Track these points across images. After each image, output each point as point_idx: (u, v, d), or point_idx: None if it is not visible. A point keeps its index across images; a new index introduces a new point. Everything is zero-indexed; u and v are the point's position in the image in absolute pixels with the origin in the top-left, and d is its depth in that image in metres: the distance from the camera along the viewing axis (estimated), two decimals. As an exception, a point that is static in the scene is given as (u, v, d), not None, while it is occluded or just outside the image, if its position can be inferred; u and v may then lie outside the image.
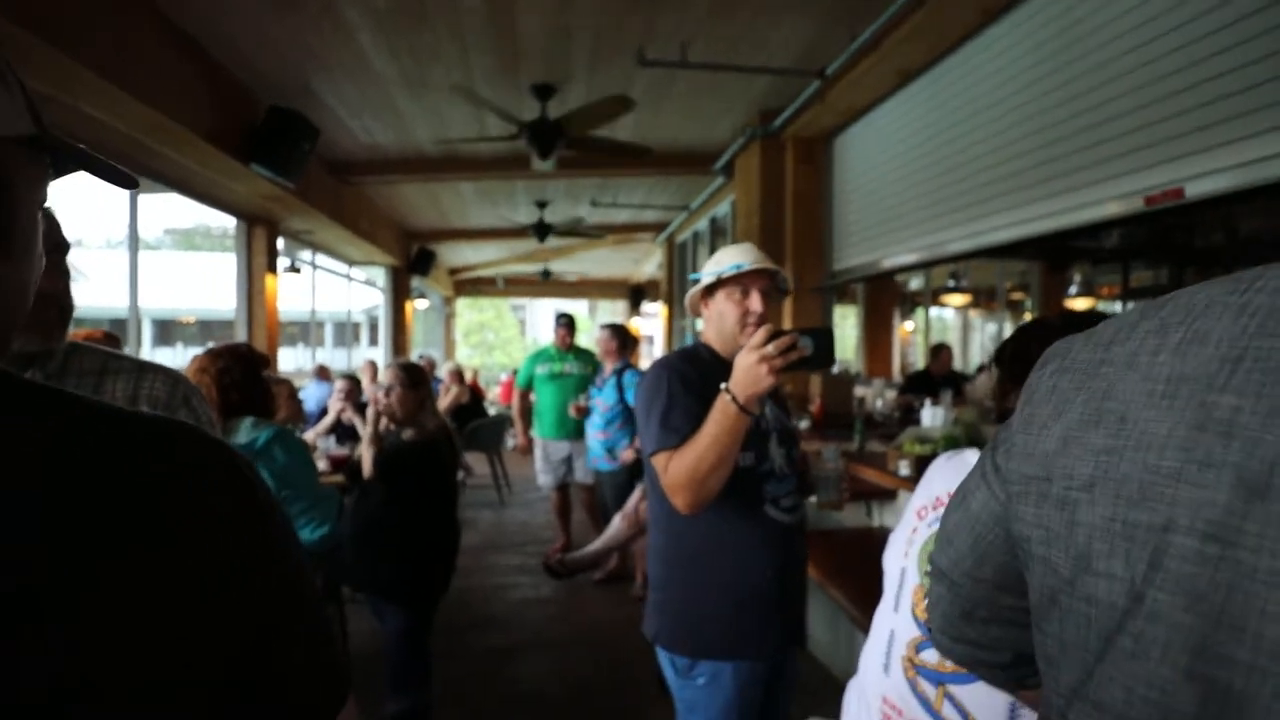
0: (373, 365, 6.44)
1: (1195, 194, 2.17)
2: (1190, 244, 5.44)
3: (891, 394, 5.25)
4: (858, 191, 4.42)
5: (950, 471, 1.11)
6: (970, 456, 1.10)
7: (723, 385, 1.19)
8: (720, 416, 1.19)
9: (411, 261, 8.42)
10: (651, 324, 13.66)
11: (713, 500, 1.24)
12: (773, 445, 1.42)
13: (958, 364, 6.97)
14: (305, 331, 7.92)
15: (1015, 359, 1.05)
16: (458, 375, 6.40)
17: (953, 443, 2.54)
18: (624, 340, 4.12)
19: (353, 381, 3.88)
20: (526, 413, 4.75)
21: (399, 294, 8.70)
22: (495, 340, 21.55)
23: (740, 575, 1.36)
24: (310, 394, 5.50)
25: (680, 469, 1.23)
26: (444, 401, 6.16)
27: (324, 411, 3.89)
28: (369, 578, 2.31)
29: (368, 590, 2.36)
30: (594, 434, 3.98)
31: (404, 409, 2.30)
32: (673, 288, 8.44)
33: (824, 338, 1.17)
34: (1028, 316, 9.24)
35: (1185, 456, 0.36)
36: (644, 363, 15.06)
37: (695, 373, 1.36)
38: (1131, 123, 2.39)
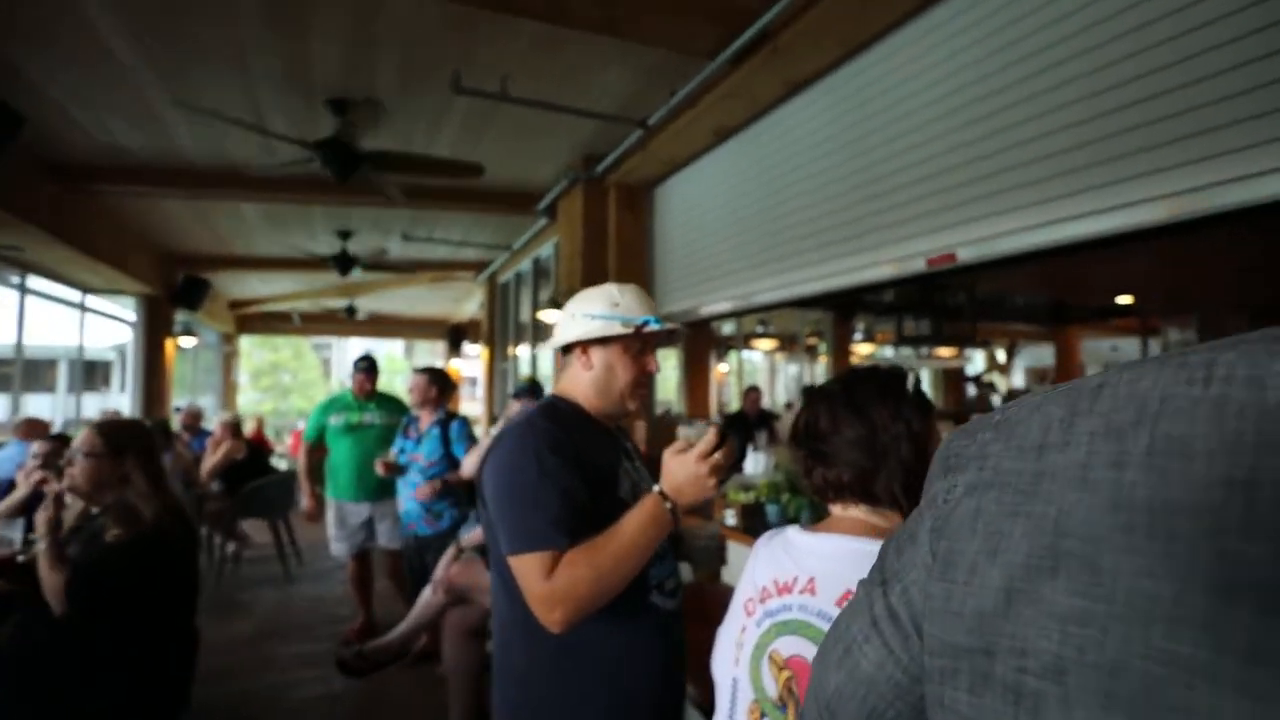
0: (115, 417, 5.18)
1: (966, 258, 2.45)
2: (945, 302, 6.44)
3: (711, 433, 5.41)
4: (679, 240, 4.53)
5: (774, 555, 0.97)
6: (793, 536, 0.96)
7: (655, 488, 1.03)
8: (648, 524, 1.01)
9: (176, 291, 7.05)
10: (473, 366, 13.01)
11: None
12: None
13: (766, 402, 7.45)
14: (14, 370, 6.18)
15: (810, 435, 0.95)
16: (231, 427, 5.37)
17: (774, 490, 2.56)
18: (443, 386, 3.71)
19: (58, 442, 2.98)
20: (315, 470, 4.06)
21: (155, 329, 7.20)
22: (293, 383, 19.08)
23: (627, 680, 1.13)
24: (8, 457, 4.22)
25: (576, 580, 0.98)
26: (211, 460, 5.13)
27: (14, 484, 2.93)
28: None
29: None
30: (411, 494, 3.48)
31: (98, 490, 1.69)
32: (494, 329, 8.07)
33: (741, 435, 1.07)
34: (823, 359, 10.35)
35: (1214, 642, 0.23)
36: (467, 406, 14.24)
37: (565, 438, 1.11)
38: (916, 192, 2.67)
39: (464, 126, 4.04)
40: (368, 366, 4.05)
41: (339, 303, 9.60)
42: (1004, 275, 5.85)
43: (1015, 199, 2.29)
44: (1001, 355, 11.26)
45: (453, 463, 3.37)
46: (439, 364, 14.10)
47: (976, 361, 10.91)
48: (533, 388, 3.78)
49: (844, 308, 7.88)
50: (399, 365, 20.03)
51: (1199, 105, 1.86)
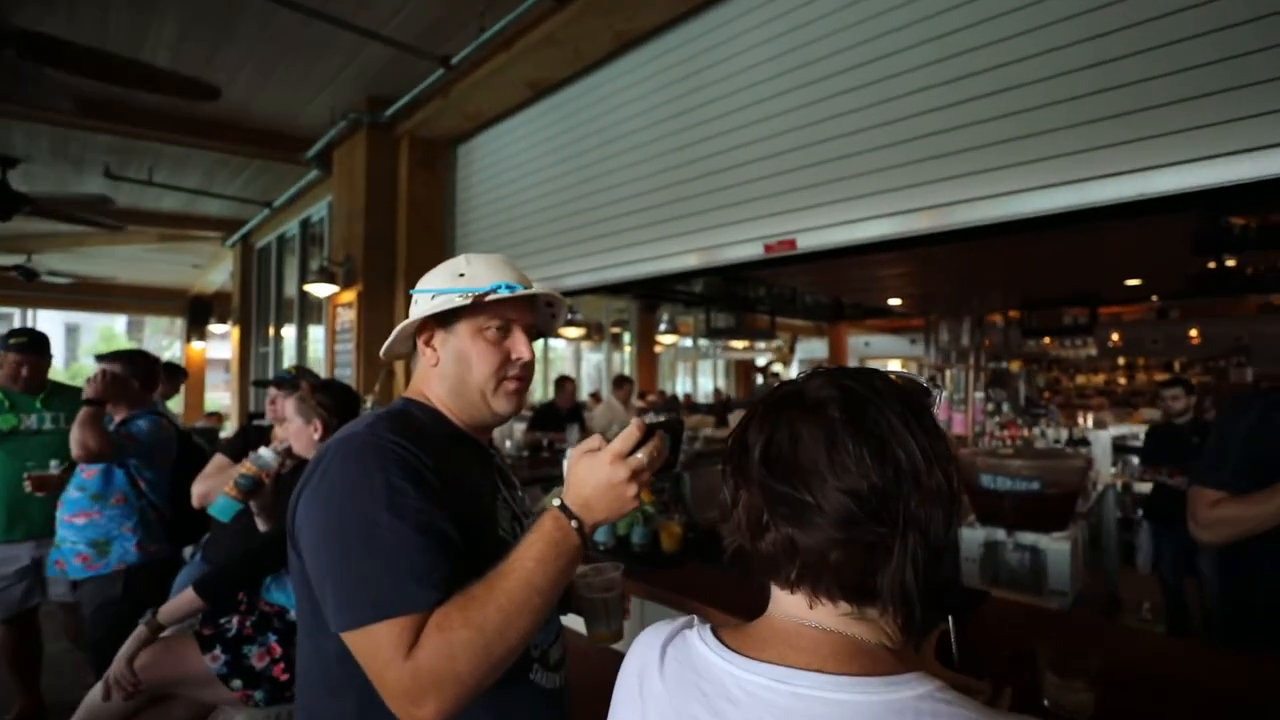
0: None
1: (806, 246, 2.29)
2: (746, 295, 6.68)
3: (520, 429, 4.91)
4: (484, 209, 3.94)
5: (678, 699, 0.56)
6: (705, 655, 0.57)
7: (555, 502, 0.75)
8: (548, 554, 0.72)
9: None
10: (223, 348, 10.78)
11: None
12: None
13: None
14: None
15: (775, 467, 0.55)
16: None
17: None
18: (147, 374, 2.65)
19: None
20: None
21: None
22: (-58, 366, 14.19)
23: None
24: None
25: (452, 650, 0.67)
26: None
27: None
28: None
29: None
30: (67, 516, 2.42)
31: None
32: (250, 303, 6.64)
33: (675, 432, 0.80)
34: (628, 349, 10.37)
35: None
36: (216, 398, 11.70)
37: (423, 458, 0.79)
38: (753, 172, 2.46)
39: (191, 29, 3.00)
40: (27, 344, 2.78)
41: (10, 259, 7.15)
42: (797, 273, 6.20)
43: (861, 186, 2.17)
44: (784, 347, 12.37)
45: (131, 479, 2.42)
46: (176, 346, 11.33)
47: (762, 353, 11.80)
48: (301, 375, 2.90)
49: (649, 296, 7.86)
50: (118, 346, 16.14)
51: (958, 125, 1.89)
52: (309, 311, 5.45)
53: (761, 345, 8.56)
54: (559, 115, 3.38)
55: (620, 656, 0.67)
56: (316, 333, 5.41)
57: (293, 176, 4.78)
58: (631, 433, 0.74)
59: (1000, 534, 2.26)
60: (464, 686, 0.68)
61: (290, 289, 5.86)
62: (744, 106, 2.50)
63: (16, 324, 16.07)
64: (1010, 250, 4.05)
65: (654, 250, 2.90)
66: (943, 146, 1.96)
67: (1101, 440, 3.51)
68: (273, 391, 2.22)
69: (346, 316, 4.10)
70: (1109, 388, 9.31)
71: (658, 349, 10.73)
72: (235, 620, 1.70)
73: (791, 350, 12.74)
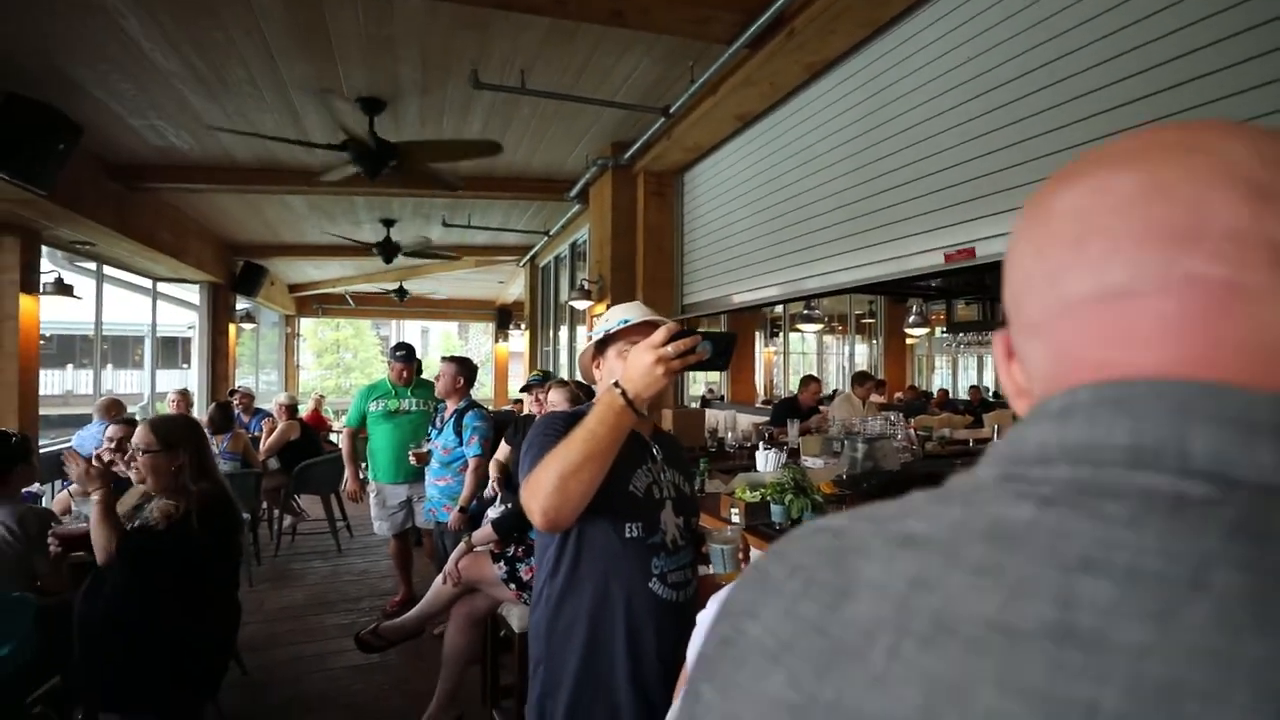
0: (183, 396, 5.57)
1: (985, 255, 2.31)
2: (996, 284, 6.09)
3: (744, 419, 5.29)
4: (708, 227, 4.46)
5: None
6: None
7: (614, 380, 1.15)
8: (604, 410, 1.13)
9: (236, 278, 7.47)
10: (520, 344, 13.29)
11: (576, 512, 1.12)
12: (666, 514, 1.33)
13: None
14: (94, 350, 6.69)
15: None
16: (288, 408, 5.69)
17: (780, 491, 2.52)
18: (470, 375, 3.79)
19: (129, 426, 3.23)
20: (357, 454, 4.28)
21: (218, 314, 7.68)
22: (354, 361, 19.97)
23: (616, 652, 1.26)
24: (89, 436, 4.61)
25: (541, 471, 1.12)
26: (267, 440, 5.47)
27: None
28: (99, 690, 1.86)
29: (98, 708, 1.91)
30: (433, 480, 3.62)
31: (158, 480, 1.90)
32: (536, 311, 8.19)
33: (725, 342, 1.16)
34: (877, 341, 10.04)
35: None
36: (516, 382, 14.49)
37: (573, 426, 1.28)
38: (933, 184, 2.53)
39: (490, 119, 4.07)
40: (405, 355, 4.18)
41: (390, 285, 9.96)
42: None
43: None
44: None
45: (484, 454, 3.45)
46: (489, 344, 14.30)
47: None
48: (545, 379, 3.81)
49: (895, 291, 7.55)
50: (454, 345, 20.63)
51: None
52: (577, 317, 6.63)
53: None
54: (763, 140, 3.73)
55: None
56: (583, 333, 6.56)
57: (562, 210, 5.91)
58: (661, 332, 1.10)
59: None
60: (546, 492, 1.09)
61: (564, 297, 7.16)
62: (930, 118, 2.57)
63: (394, 331, 21.64)
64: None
65: (849, 260, 3.08)
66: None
67: None
68: (533, 392, 3.03)
69: (599, 324, 5.00)
70: None
71: (909, 341, 10.14)
72: (514, 547, 2.48)
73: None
